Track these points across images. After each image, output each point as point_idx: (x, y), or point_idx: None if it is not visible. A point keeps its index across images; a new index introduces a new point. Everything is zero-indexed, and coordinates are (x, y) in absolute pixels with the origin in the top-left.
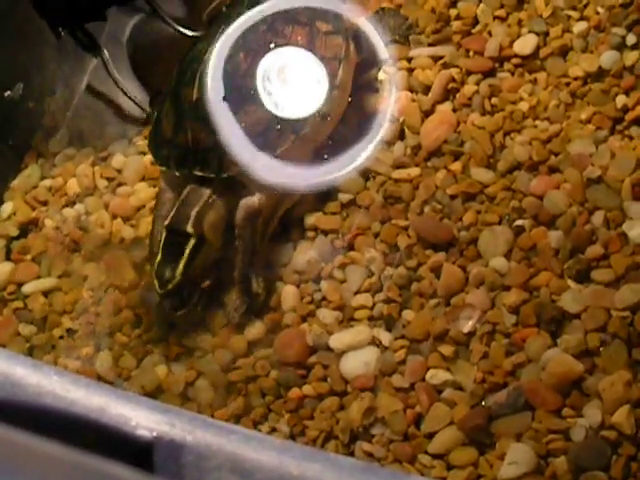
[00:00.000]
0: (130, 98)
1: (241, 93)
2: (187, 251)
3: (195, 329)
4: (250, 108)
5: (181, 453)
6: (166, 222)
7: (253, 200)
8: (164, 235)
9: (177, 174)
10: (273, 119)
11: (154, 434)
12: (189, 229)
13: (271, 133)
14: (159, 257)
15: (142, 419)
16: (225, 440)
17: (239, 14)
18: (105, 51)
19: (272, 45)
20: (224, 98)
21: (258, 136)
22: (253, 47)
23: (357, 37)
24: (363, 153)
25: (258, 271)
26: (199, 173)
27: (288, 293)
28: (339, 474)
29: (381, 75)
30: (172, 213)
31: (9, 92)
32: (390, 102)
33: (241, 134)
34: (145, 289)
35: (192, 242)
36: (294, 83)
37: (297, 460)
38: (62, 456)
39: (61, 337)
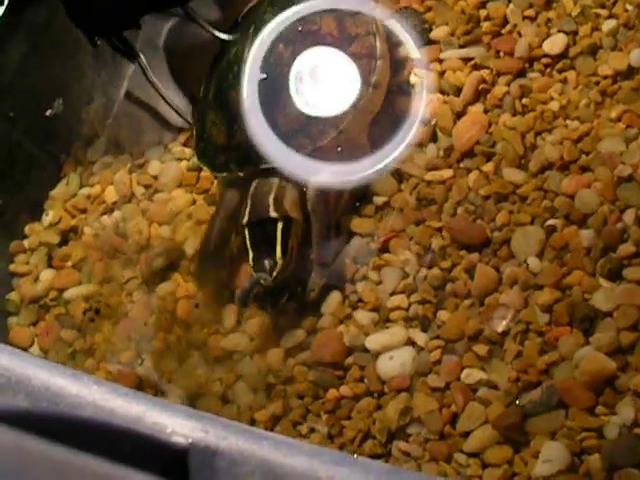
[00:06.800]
0: (169, 104)
1: (279, 94)
2: (279, 234)
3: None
4: (286, 109)
5: (215, 459)
6: (244, 220)
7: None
8: (247, 233)
9: (241, 174)
10: (309, 117)
11: (189, 441)
12: (272, 214)
13: (313, 129)
14: (251, 254)
15: (177, 426)
16: (257, 446)
17: (267, 16)
18: (142, 56)
19: (306, 48)
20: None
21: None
22: (287, 50)
23: (389, 37)
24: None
25: (326, 259)
26: (267, 165)
27: (326, 295)
28: (366, 477)
29: (412, 78)
30: (247, 209)
31: (50, 110)
32: (422, 104)
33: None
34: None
35: (280, 225)
36: (328, 83)
37: (326, 464)
38: (94, 468)
39: (102, 342)
